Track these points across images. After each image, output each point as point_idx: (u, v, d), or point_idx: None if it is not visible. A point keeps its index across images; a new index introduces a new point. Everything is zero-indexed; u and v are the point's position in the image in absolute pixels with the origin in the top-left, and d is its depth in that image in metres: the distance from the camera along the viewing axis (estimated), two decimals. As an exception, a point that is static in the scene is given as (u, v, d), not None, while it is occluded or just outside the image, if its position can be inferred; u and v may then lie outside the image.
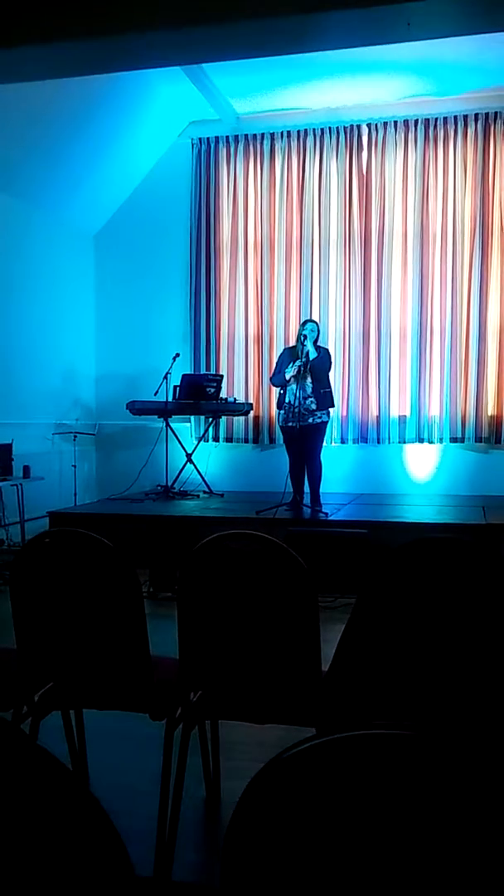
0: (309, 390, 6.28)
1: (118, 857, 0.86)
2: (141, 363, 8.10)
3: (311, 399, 6.28)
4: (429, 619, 1.95)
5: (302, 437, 6.30)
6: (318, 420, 6.35)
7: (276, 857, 0.88)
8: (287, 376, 6.32)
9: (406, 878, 0.85)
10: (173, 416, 7.60)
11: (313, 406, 6.29)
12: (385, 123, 7.80)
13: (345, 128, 7.89)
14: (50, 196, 7.49)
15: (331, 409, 6.53)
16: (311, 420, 6.30)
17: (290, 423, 6.35)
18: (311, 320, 6.69)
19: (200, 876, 2.26)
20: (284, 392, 6.38)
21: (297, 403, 6.24)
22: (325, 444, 6.64)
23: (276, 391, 6.81)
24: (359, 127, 7.88)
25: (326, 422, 6.49)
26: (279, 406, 6.49)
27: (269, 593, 2.14)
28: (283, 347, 7.47)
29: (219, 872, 0.90)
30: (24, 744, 0.88)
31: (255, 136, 8.11)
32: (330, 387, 6.45)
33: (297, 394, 6.25)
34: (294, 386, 6.28)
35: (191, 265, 8.30)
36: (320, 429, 6.41)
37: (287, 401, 6.33)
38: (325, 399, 6.35)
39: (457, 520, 6.14)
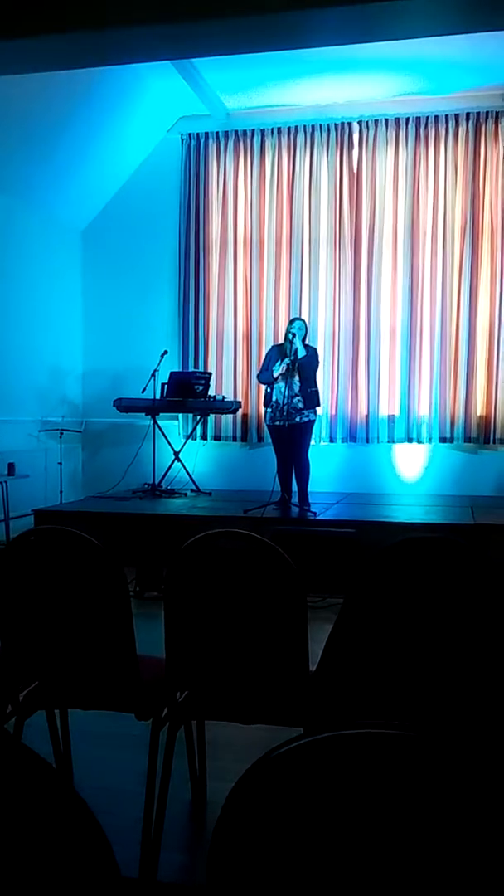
0: (296, 389, 6.27)
1: (104, 858, 0.86)
2: (128, 360, 8.07)
3: (298, 398, 6.27)
4: (416, 618, 1.95)
5: (289, 436, 6.30)
6: (306, 419, 6.35)
7: (264, 857, 0.87)
8: (275, 374, 6.31)
9: (395, 877, 0.84)
10: (161, 414, 7.58)
11: (300, 405, 6.28)
12: (376, 121, 7.80)
13: (336, 125, 7.89)
14: (38, 191, 7.45)
15: (317, 409, 6.52)
16: (298, 419, 6.29)
17: (277, 422, 6.34)
18: (299, 318, 6.69)
19: (186, 877, 2.25)
20: (271, 390, 6.37)
21: (284, 402, 6.24)
22: (313, 442, 6.64)
23: (264, 389, 6.80)
24: (350, 124, 7.88)
25: (313, 420, 6.48)
26: (266, 404, 6.48)
27: (256, 592, 2.13)
28: (271, 345, 7.47)
29: (204, 873, 0.90)
30: (8, 743, 0.86)
31: (245, 132, 8.09)
32: (316, 386, 6.45)
33: (285, 392, 6.24)
34: (282, 384, 6.28)
35: (180, 262, 8.28)
36: (307, 427, 6.40)
37: (274, 399, 6.32)
38: (311, 398, 6.34)
39: (445, 520, 6.16)
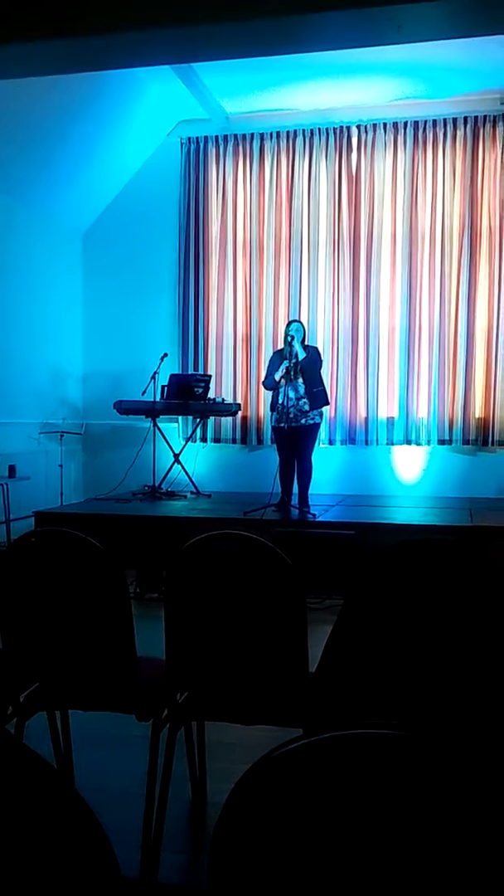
0: (301, 391, 6.27)
1: (104, 858, 0.86)
2: (129, 362, 8.08)
3: (303, 400, 6.28)
4: (416, 620, 1.96)
5: (293, 438, 6.30)
6: (311, 421, 6.34)
7: (264, 858, 0.88)
8: (277, 377, 6.31)
9: (395, 877, 0.84)
10: (161, 416, 7.58)
11: (306, 407, 6.28)
12: (375, 125, 7.82)
13: (334, 129, 7.91)
14: (39, 194, 7.46)
15: (325, 408, 6.52)
16: (303, 421, 6.29)
17: (281, 424, 6.34)
18: (296, 320, 6.68)
19: (186, 877, 2.26)
20: (277, 394, 6.37)
21: (288, 405, 6.24)
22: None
23: (265, 392, 6.79)
24: (348, 128, 7.90)
25: (319, 423, 6.47)
26: (272, 408, 6.49)
27: (256, 594, 2.14)
28: (271, 348, 7.49)
29: (205, 874, 0.90)
30: (9, 744, 0.87)
31: (244, 136, 8.10)
32: (323, 384, 6.45)
33: (289, 395, 6.25)
34: (285, 387, 6.28)
35: (180, 264, 8.28)
36: (312, 430, 6.40)
37: (280, 402, 6.32)
38: (318, 398, 6.34)
39: (444, 521, 6.17)
